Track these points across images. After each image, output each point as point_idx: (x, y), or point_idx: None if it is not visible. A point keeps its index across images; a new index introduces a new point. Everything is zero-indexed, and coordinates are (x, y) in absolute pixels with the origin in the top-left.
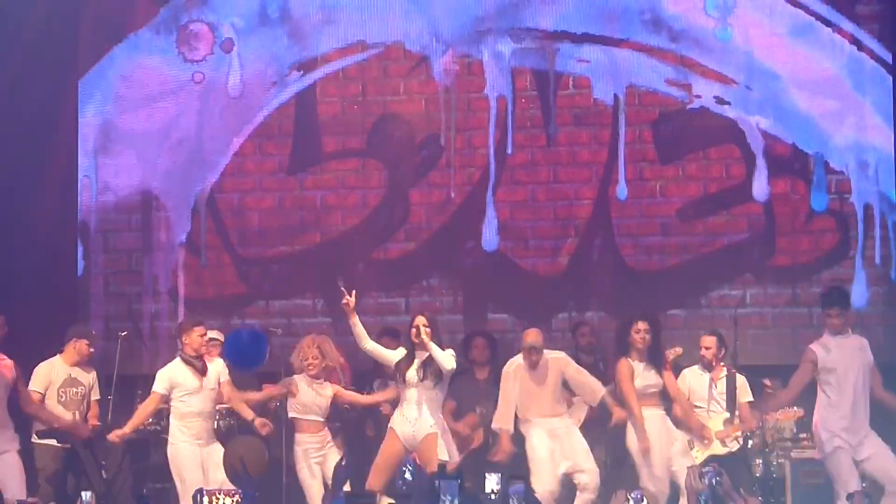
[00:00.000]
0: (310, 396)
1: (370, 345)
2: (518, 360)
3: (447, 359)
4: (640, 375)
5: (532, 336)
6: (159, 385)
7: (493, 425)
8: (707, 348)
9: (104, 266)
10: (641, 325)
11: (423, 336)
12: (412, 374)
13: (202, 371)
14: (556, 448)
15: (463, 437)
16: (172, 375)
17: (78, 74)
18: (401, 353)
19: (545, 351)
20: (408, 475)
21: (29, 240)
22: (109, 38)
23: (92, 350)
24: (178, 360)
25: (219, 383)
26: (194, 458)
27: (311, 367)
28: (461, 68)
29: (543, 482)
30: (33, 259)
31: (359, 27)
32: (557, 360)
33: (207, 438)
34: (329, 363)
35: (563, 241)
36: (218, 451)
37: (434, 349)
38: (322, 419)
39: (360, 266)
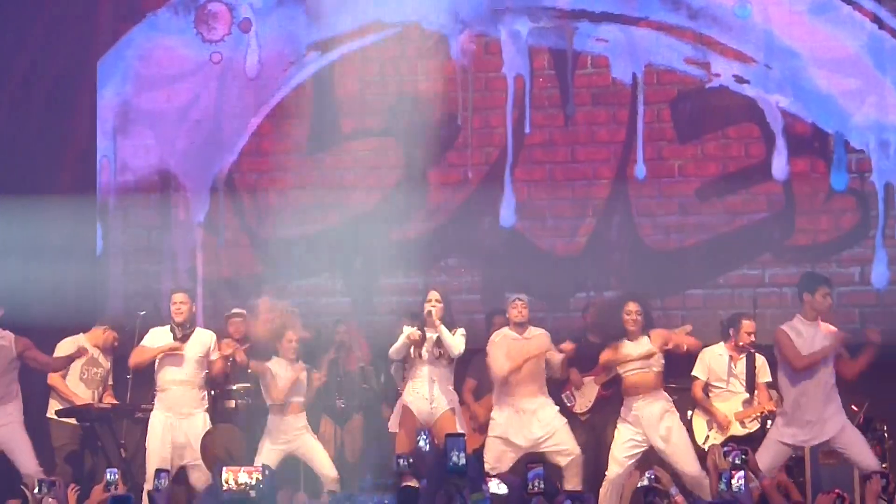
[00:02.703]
0: (289, 377)
1: (393, 352)
2: (504, 331)
3: (456, 343)
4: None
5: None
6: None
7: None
8: (748, 333)
9: (123, 245)
10: (632, 307)
11: (434, 317)
12: (426, 352)
13: (182, 338)
14: (520, 426)
15: (481, 421)
16: (154, 332)
17: (96, 54)
18: (408, 331)
19: (531, 326)
20: (422, 443)
21: (48, 219)
22: (128, 19)
23: (117, 345)
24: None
25: (208, 357)
26: (163, 429)
27: (289, 351)
28: (478, 48)
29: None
30: (53, 238)
31: (376, 7)
32: (542, 334)
33: (187, 410)
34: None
35: (581, 221)
36: (198, 425)
37: (443, 332)
38: (301, 399)
39: (379, 246)
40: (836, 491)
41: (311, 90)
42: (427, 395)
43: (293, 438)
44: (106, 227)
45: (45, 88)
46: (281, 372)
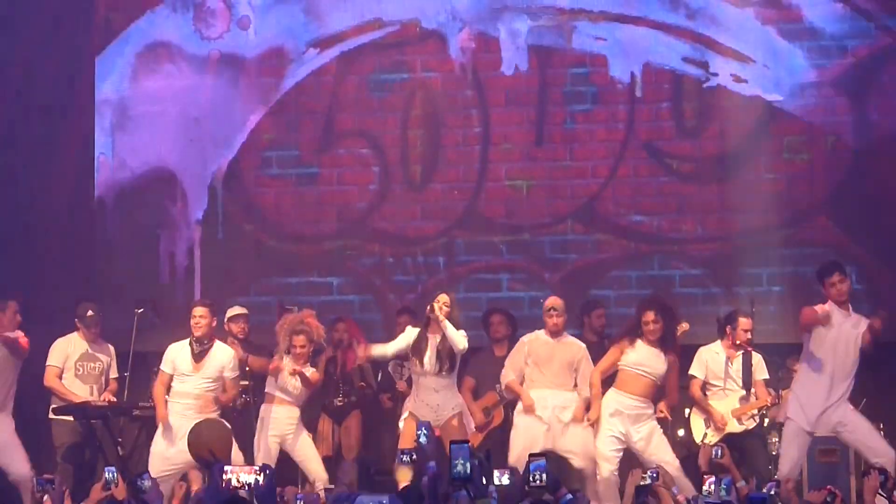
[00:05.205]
0: (290, 383)
1: (380, 350)
2: (537, 333)
3: (460, 338)
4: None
5: (552, 299)
6: (164, 364)
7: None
8: (745, 331)
9: (121, 243)
10: (650, 316)
11: (438, 312)
12: (428, 363)
13: (198, 356)
14: (543, 428)
15: (481, 420)
16: (173, 355)
17: (95, 51)
18: (410, 333)
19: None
20: (422, 438)
21: (46, 217)
22: (127, 15)
23: (91, 329)
24: (187, 339)
25: (222, 375)
26: (171, 431)
27: (299, 357)
28: (478, 46)
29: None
30: (51, 236)
31: (375, 4)
32: (576, 344)
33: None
34: (315, 344)
35: (580, 219)
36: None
37: (448, 327)
38: (296, 405)
39: (377, 244)
40: (828, 487)
41: (309, 88)
42: (432, 404)
43: (286, 431)
44: (104, 224)
45: (43, 85)
46: (286, 375)
